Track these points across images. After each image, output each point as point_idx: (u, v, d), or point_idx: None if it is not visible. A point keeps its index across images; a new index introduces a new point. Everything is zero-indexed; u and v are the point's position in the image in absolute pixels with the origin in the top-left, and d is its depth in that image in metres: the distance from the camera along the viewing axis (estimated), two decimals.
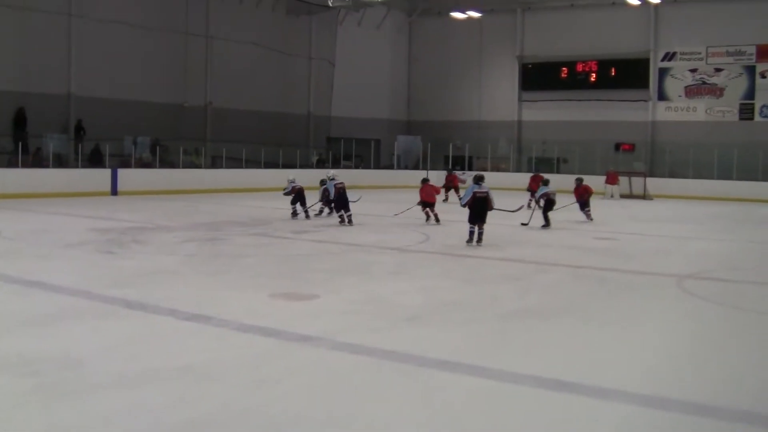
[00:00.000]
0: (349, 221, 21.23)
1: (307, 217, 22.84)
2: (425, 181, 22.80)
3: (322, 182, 23.15)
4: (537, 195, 22.67)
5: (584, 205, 24.21)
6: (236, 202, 28.20)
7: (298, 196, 23.01)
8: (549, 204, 21.75)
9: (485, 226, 17.49)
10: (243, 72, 40.65)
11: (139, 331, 8.63)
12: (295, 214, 23.07)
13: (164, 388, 6.56)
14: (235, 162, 37.32)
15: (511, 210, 21.21)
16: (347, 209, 21.45)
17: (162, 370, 7.00)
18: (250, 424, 5.82)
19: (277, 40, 42.82)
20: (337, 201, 21.75)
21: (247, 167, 37.64)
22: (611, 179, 37.62)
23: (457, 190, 31.14)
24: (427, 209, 22.39)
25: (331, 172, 24.05)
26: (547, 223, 21.36)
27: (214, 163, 37.98)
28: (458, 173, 33.37)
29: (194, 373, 6.99)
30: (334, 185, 21.75)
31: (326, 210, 23.78)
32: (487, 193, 17.57)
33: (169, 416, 5.90)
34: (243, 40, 40.46)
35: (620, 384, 7.02)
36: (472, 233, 17.47)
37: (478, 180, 17.89)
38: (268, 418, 5.95)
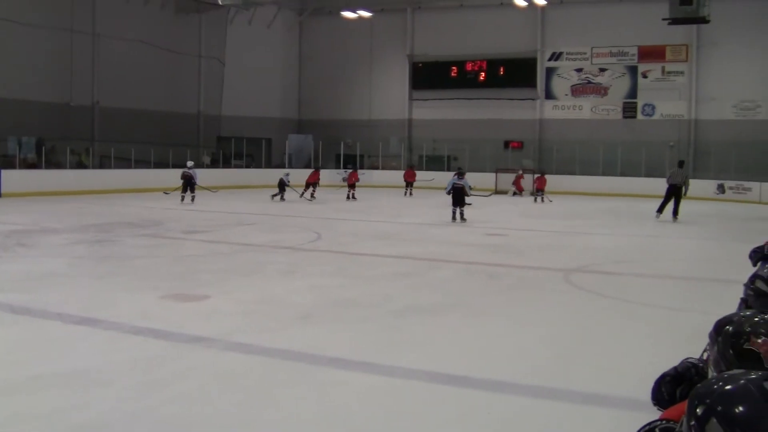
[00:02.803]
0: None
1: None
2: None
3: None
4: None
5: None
6: (126, 203, 27.69)
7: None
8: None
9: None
10: (131, 71, 39.84)
11: (25, 337, 8.43)
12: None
13: (53, 393, 6.43)
14: (124, 162, 36.57)
15: (485, 196, 25.32)
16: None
17: (50, 376, 6.85)
18: (141, 428, 5.76)
19: (166, 38, 42.14)
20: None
21: (136, 167, 36.94)
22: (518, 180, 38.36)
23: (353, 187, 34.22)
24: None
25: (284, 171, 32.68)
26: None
27: (103, 164, 37.17)
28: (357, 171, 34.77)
29: (84, 377, 6.87)
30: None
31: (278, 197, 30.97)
32: (462, 184, 22.56)
33: (59, 422, 5.79)
34: (131, 39, 39.65)
35: (511, 376, 7.18)
36: (454, 212, 22.71)
37: (459, 174, 23.17)
38: (159, 421, 5.88)
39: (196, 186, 29.38)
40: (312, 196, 32.28)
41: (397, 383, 7.05)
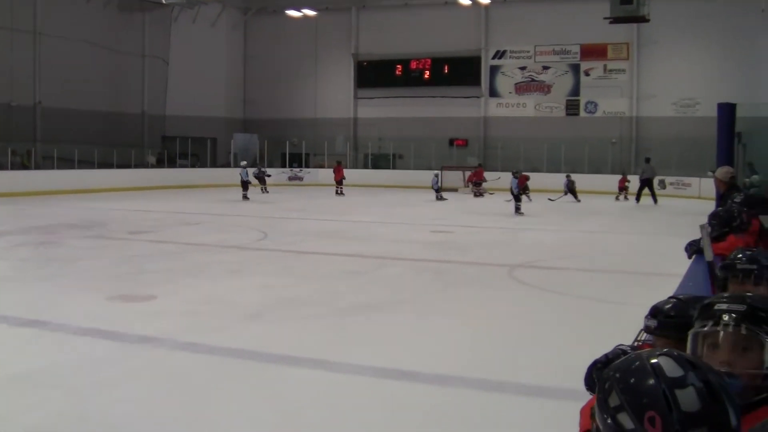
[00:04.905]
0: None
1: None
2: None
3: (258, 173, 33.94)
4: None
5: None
6: (70, 204, 27.36)
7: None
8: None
9: None
10: (74, 70, 39.31)
11: None
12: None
13: (2, 396, 6.43)
14: (67, 163, 36.11)
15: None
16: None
17: None
18: (91, 428, 5.79)
19: (110, 37, 41.69)
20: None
21: (79, 168, 36.51)
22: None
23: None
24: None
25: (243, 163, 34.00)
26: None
27: (45, 165, 36.67)
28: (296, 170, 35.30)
29: (33, 379, 6.87)
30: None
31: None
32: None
33: (9, 424, 5.79)
34: (73, 38, 39.15)
35: (457, 371, 7.32)
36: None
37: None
38: (109, 421, 5.91)
39: (249, 184, 32.03)
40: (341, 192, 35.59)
41: (345, 379, 7.15)
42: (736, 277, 3.77)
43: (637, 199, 31.83)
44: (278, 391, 6.72)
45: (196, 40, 45.52)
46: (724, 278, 3.84)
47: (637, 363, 1.76)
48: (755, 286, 3.70)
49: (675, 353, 1.75)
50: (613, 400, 1.71)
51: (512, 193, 26.11)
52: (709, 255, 5.87)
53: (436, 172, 35.63)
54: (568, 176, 32.86)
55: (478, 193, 34.59)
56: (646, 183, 32.11)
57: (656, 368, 1.69)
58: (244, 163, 33.99)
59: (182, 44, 45.38)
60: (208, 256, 15.49)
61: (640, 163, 38.27)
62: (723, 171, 9.62)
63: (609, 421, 1.69)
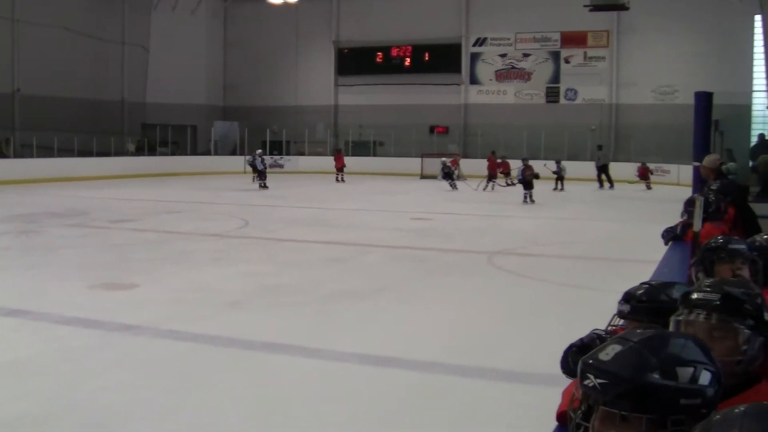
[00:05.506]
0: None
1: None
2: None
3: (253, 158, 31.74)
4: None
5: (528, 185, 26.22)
6: (50, 193, 27.24)
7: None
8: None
9: None
10: (53, 57, 39.00)
11: None
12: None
13: None
14: (46, 151, 35.92)
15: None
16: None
17: None
18: (76, 417, 5.84)
19: (89, 24, 41.39)
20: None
21: (59, 156, 36.33)
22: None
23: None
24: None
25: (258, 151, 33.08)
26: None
27: (24, 153, 36.49)
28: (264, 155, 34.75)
29: (18, 368, 6.91)
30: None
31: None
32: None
33: None
34: (53, 25, 38.84)
35: (438, 357, 7.43)
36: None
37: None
38: (94, 410, 5.97)
39: (266, 172, 31.52)
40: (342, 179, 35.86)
41: (328, 366, 7.24)
42: (722, 259, 3.86)
43: (600, 185, 33.76)
44: (261, 379, 6.80)
45: (176, 28, 45.28)
46: (711, 261, 3.92)
47: (605, 344, 1.87)
48: (742, 266, 3.82)
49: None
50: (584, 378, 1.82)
51: (517, 181, 26.45)
52: (698, 225, 5.96)
53: (443, 159, 34.60)
54: (558, 162, 32.71)
55: (453, 185, 33.17)
56: (602, 170, 34.05)
57: None
58: (259, 151, 33.41)
59: (162, 31, 45.13)
60: (190, 244, 15.52)
61: (621, 150, 38.58)
62: (711, 159, 9.65)
63: None
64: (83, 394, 6.30)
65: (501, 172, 33.44)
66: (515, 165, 30.06)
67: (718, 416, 1.53)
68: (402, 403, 6.28)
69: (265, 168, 31.60)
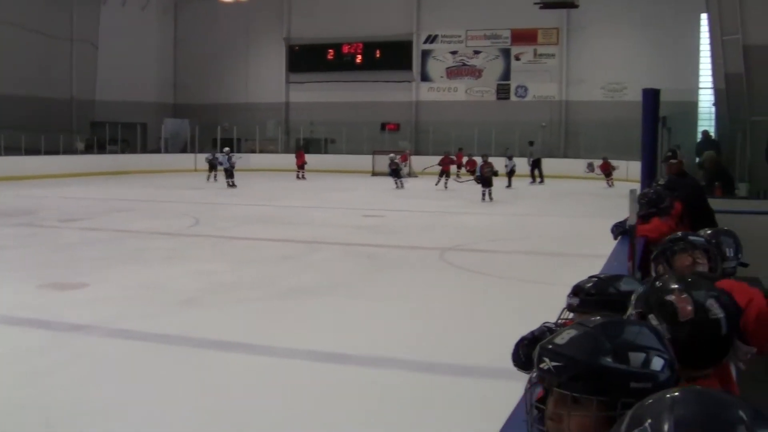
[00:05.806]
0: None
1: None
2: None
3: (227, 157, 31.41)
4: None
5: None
6: None
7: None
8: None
9: None
10: (0, 54, 38.47)
11: None
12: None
13: None
14: None
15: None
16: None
17: None
18: (29, 416, 5.79)
19: (37, 20, 40.74)
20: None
21: (6, 155, 35.77)
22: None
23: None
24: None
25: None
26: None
27: None
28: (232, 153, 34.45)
29: None
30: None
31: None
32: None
33: None
34: None
35: (389, 352, 7.45)
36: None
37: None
38: (43, 410, 5.91)
39: (233, 170, 31.10)
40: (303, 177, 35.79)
41: (278, 363, 7.24)
42: (683, 249, 3.91)
43: (533, 180, 34.59)
44: (212, 376, 6.79)
45: (125, 24, 44.77)
46: (672, 251, 3.95)
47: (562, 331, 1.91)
48: (701, 256, 3.87)
49: None
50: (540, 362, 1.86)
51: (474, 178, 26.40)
52: (632, 219, 6.03)
53: (391, 155, 34.08)
54: (510, 158, 32.86)
55: (399, 183, 32.66)
56: (535, 164, 35.13)
57: None
58: (227, 149, 33.33)
59: (112, 28, 44.59)
60: (141, 242, 15.41)
61: (571, 146, 38.96)
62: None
63: None
64: (34, 394, 6.24)
65: (468, 170, 33.29)
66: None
67: (650, 399, 1.56)
68: (353, 399, 6.30)
69: (233, 167, 31.23)
